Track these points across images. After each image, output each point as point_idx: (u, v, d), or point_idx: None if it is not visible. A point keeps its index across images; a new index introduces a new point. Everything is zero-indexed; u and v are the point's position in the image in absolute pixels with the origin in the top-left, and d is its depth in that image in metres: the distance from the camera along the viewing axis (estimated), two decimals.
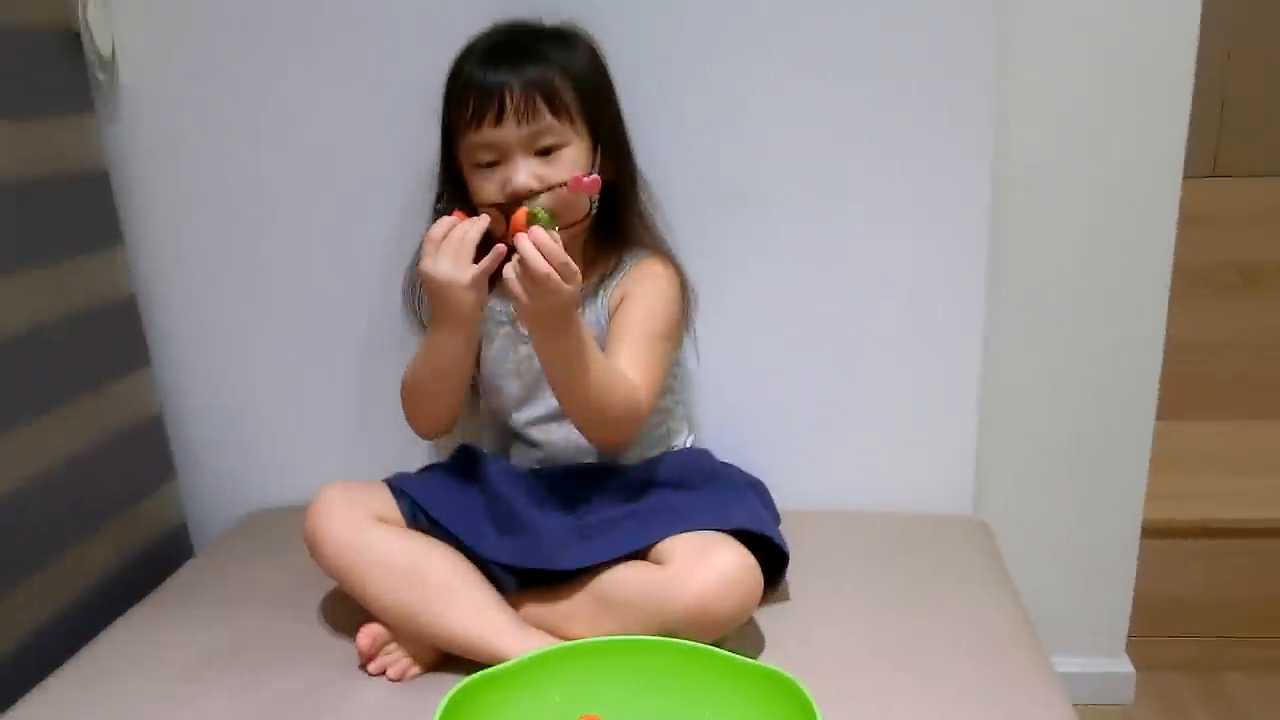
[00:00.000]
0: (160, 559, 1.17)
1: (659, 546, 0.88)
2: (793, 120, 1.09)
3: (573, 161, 0.95)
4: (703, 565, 0.84)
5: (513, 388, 1.04)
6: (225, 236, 1.17)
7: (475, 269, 0.87)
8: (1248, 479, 1.50)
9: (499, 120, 0.92)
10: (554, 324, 0.86)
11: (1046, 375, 1.25)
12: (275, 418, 1.24)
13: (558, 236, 0.84)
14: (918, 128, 1.08)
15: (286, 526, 1.06)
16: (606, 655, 0.78)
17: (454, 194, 1.01)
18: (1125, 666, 1.38)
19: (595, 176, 0.93)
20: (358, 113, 1.12)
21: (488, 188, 0.95)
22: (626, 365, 0.95)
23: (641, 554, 0.89)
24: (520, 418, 1.04)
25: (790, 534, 0.97)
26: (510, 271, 0.84)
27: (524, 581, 0.91)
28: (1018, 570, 1.22)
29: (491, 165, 0.95)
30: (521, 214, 0.86)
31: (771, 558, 0.94)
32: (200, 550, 1.22)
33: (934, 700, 0.81)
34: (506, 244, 0.85)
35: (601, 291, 1.01)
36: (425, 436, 1.04)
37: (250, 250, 1.17)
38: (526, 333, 0.93)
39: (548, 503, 0.96)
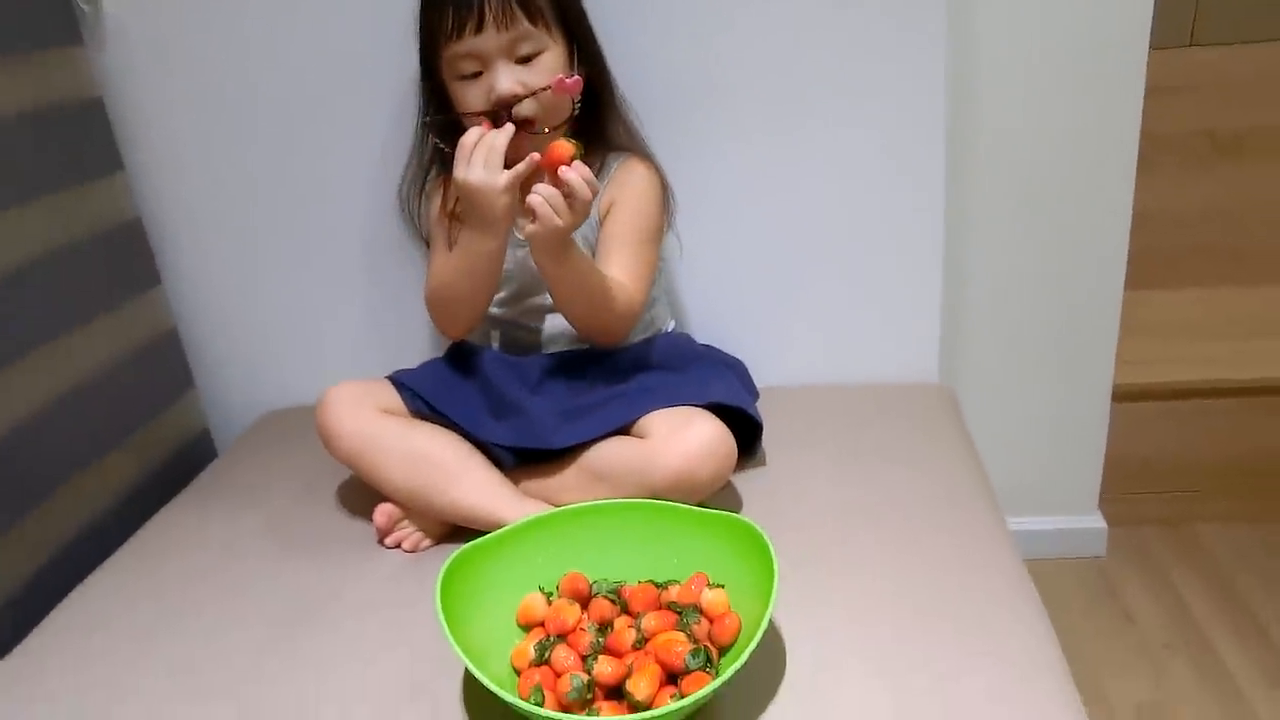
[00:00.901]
0: (186, 464, 1.27)
1: (642, 422, 0.96)
2: (754, 16, 1.12)
3: (552, 67, 0.99)
4: (681, 436, 0.92)
5: (509, 288, 1.10)
6: (220, 155, 1.22)
7: (509, 174, 0.93)
8: (1216, 343, 1.56)
9: (479, 29, 0.96)
10: (562, 246, 0.95)
11: (1015, 248, 1.31)
12: (283, 323, 1.31)
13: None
14: (874, 10, 1.11)
15: (301, 423, 1.13)
16: (586, 517, 0.86)
17: (438, 106, 1.05)
18: (1098, 522, 1.47)
19: (577, 78, 0.98)
20: (342, 26, 1.15)
21: (472, 97, 0.99)
22: (620, 271, 1.03)
23: (627, 429, 0.96)
24: (514, 311, 1.11)
25: (767, 408, 1.05)
26: (538, 197, 0.91)
27: (521, 459, 1.00)
28: (991, 436, 1.30)
29: (474, 76, 0.99)
30: (563, 147, 0.92)
31: (748, 430, 1.02)
32: (223, 452, 1.31)
33: (888, 548, 0.90)
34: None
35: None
36: (454, 337, 1.10)
37: (245, 167, 1.22)
38: (530, 249, 0.99)
39: (540, 387, 1.04)
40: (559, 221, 0.91)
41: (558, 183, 0.91)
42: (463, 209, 0.99)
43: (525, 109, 0.97)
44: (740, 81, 1.14)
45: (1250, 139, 1.70)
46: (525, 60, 0.98)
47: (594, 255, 1.05)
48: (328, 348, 1.32)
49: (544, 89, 0.98)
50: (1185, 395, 1.51)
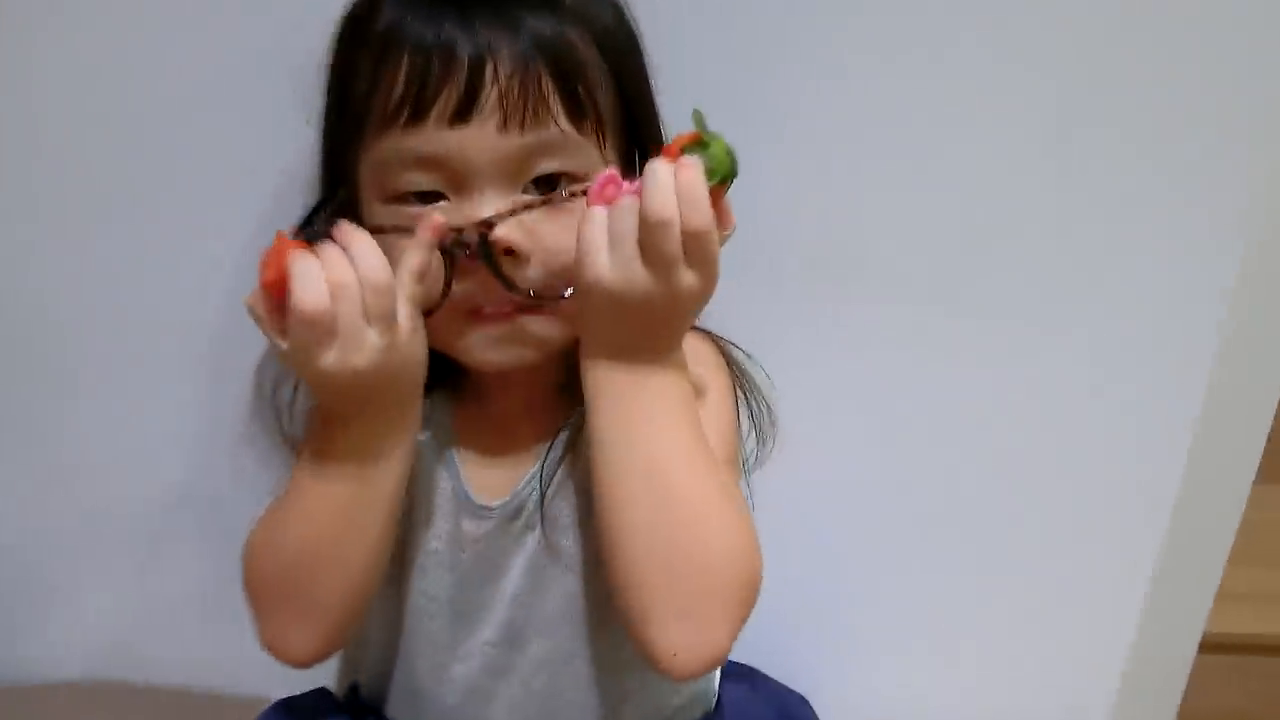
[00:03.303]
0: None
1: None
2: (919, 159, 0.69)
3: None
4: None
5: (437, 623, 0.63)
6: None
7: (410, 259, 0.51)
8: None
9: (462, 114, 0.51)
10: (657, 343, 0.52)
11: None
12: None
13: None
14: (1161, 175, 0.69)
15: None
16: None
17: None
18: None
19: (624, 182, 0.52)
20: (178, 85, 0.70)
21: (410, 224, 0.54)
22: None
23: None
24: (441, 664, 0.64)
25: None
26: (597, 233, 0.49)
27: None
28: None
29: (424, 198, 0.54)
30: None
31: None
32: None
33: None
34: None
35: None
36: (294, 658, 0.57)
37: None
38: (593, 366, 0.53)
39: None
40: (638, 278, 0.49)
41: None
42: (309, 376, 0.51)
43: (521, 268, 0.54)
44: (873, 255, 0.71)
45: None
46: (546, 184, 0.54)
47: None
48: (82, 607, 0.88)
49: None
50: None
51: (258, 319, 0.50)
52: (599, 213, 0.50)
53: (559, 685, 0.62)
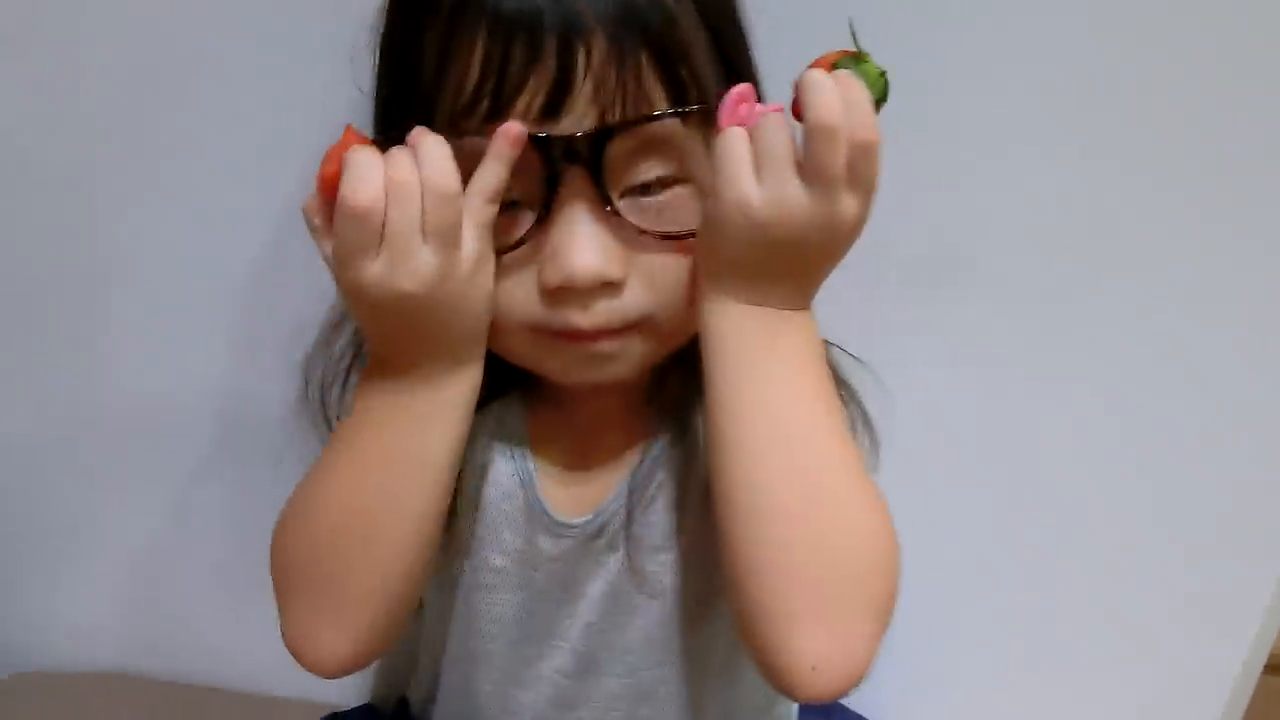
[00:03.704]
0: None
1: None
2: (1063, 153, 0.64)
3: (695, 207, 0.46)
4: None
5: (499, 645, 0.58)
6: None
7: (471, 225, 0.44)
8: None
9: (553, 109, 0.43)
10: (801, 286, 0.46)
11: None
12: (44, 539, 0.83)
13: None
14: None
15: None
16: None
17: None
18: None
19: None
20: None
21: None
22: None
23: None
24: (505, 691, 0.59)
25: None
26: (741, 149, 0.43)
27: None
28: None
29: (504, 210, 0.46)
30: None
31: None
32: None
33: None
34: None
35: (699, 422, 0.53)
36: (322, 663, 0.49)
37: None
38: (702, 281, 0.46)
39: None
40: (794, 199, 0.42)
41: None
42: (349, 291, 0.44)
43: (608, 300, 0.46)
44: (1002, 252, 0.66)
45: None
46: (639, 191, 0.46)
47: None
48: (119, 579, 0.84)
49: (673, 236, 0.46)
50: None
51: (310, 225, 0.45)
52: (738, 131, 0.43)
53: None
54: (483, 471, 0.54)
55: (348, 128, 0.44)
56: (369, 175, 0.42)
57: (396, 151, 0.43)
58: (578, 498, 0.55)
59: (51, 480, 0.81)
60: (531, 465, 0.55)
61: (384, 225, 0.42)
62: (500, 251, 0.45)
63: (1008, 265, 0.66)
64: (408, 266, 0.42)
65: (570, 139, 0.43)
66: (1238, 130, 0.62)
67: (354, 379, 0.58)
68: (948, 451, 0.70)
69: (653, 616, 0.55)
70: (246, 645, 0.74)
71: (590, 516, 0.54)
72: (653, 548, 0.54)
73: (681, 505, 0.53)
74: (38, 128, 0.70)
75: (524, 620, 0.57)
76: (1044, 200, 0.65)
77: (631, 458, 0.54)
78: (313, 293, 0.57)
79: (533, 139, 0.43)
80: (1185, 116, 0.62)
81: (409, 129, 0.45)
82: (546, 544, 0.55)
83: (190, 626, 0.85)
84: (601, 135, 0.43)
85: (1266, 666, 0.95)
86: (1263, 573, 0.73)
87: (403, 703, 0.64)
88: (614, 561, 0.55)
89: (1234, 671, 0.76)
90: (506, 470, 0.55)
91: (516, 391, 0.56)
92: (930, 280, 0.66)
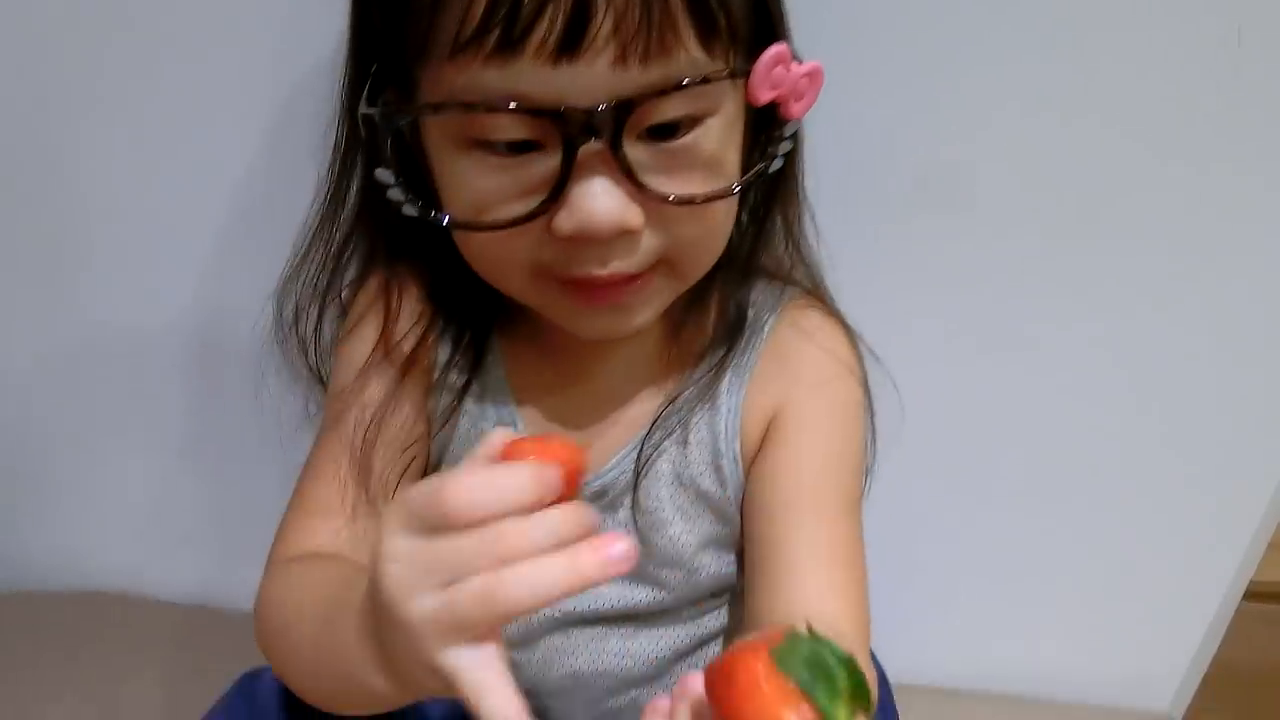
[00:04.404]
0: None
1: None
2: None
3: (715, 149, 0.43)
4: None
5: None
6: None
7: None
8: None
9: (571, 45, 0.38)
10: None
11: None
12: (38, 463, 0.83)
13: None
14: None
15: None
16: None
17: (374, 185, 0.45)
18: None
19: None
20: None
21: (492, 188, 0.42)
22: (823, 597, 0.47)
23: None
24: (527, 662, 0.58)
25: None
26: None
27: None
28: None
29: (513, 150, 0.41)
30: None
31: None
32: None
33: None
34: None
35: (723, 391, 0.52)
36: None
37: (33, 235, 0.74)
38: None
39: None
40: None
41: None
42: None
43: (626, 249, 0.43)
44: (989, 179, 0.63)
45: None
46: (662, 135, 0.42)
47: (739, 542, 0.54)
48: (110, 508, 0.84)
49: (688, 200, 0.42)
50: None
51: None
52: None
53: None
54: (464, 429, 0.52)
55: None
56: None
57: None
58: None
59: (36, 411, 0.80)
60: (519, 421, 0.52)
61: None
62: (514, 221, 0.41)
63: (1009, 187, 0.64)
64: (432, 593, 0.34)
65: (589, 114, 0.38)
66: (1240, 55, 0.58)
67: (329, 307, 0.55)
68: (945, 368, 0.69)
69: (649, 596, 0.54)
70: (231, 565, 0.73)
71: (590, 480, 0.52)
72: (662, 520, 0.52)
73: (694, 477, 0.51)
74: (5, 58, 0.66)
75: None
76: (1042, 128, 0.62)
77: (639, 418, 0.51)
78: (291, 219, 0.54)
79: (546, 113, 0.39)
80: (1193, 40, 0.58)
81: (398, 62, 0.40)
82: None
83: (179, 550, 0.84)
84: (622, 110, 0.39)
85: (1247, 593, 0.98)
86: (1247, 504, 0.74)
87: None
88: (612, 522, 0.52)
89: (1217, 596, 0.79)
90: (486, 428, 0.52)
91: (501, 336, 0.53)
92: (931, 203, 0.64)
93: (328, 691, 0.43)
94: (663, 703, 0.36)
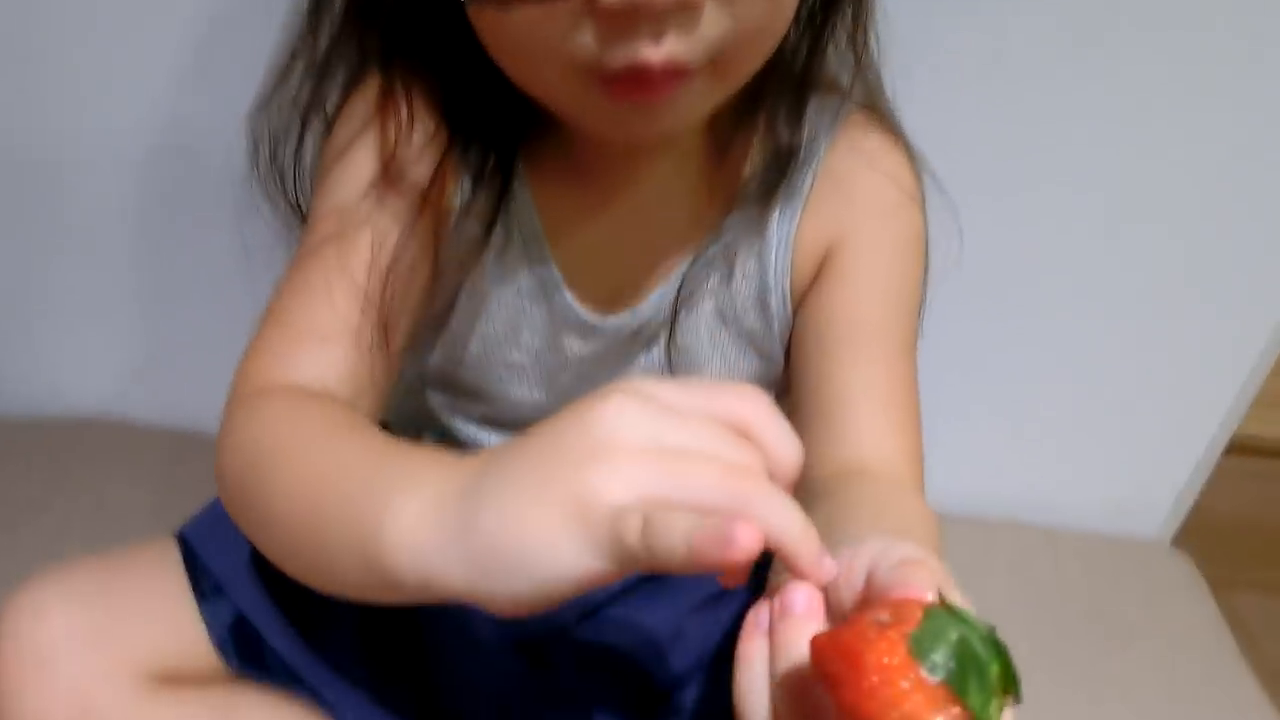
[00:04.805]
0: None
1: None
2: None
3: None
4: None
5: (524, 388, 0.52)
6: None
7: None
8: None
9: None
10: None
11: None
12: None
13: None
14: None
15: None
16: None
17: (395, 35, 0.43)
18: None
19: None
20: None
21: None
22: (881, 439, 0.45)
23: None
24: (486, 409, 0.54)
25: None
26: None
27: None
28: None
29: None
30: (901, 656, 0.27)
31: None
32: None
33: None
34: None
35: (773, 221, 0.48)
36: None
37: None
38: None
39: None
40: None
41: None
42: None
43: (685, 25, 0.36)
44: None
45: None
46: None
47: (781, 381, 0.51)
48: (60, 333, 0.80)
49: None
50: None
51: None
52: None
53: None
54: (498, 276, 0.47)
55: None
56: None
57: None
58: (612, 292, 0.48)
59: (18, 241, 0.76)
60: (550, 256, 0.47)
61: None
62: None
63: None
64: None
65: None
66: None
67: (309, 134, 0.48)
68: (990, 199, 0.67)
69: None
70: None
71: (626, 317, 0.48)
72: (701, 361, 0.48)
73: (738, 317, 0.48)
74: None
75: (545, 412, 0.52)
76: None
77: (681, 250, 0.47)
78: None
79: None
80: None
81: None
82: (575, 344, 0.49)
83: (169, 375, 0.81)
84: None
85: (1229, 447, 1.01)
86: (1234, 361, 0.77)
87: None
88: (646, 360, 0.49)
89: (1200, 447, 0.83)
90: (518, 262, 0.47)
91: (528, 159, 0.46)
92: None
93: (307, 561, 0.37)
94: (764, 615, 0.31)
